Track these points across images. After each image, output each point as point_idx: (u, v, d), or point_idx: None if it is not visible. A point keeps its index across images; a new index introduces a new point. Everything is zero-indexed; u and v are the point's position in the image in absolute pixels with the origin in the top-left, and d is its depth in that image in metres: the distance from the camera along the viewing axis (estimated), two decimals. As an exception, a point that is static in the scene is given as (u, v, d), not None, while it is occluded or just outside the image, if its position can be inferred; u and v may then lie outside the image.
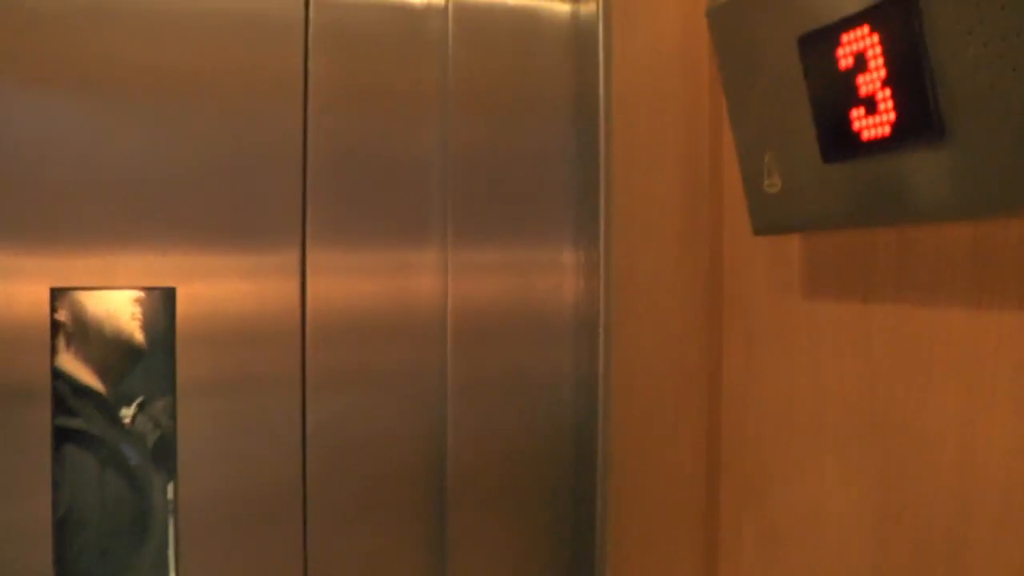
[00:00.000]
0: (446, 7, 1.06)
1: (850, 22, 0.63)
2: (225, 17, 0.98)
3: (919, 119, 0.59)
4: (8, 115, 0.91)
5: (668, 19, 0.97)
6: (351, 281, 1.03)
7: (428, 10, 1.06)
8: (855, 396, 0.75)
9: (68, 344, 0.95)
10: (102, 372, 0.97)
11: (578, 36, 1.09)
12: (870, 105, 0.63)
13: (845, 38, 0.64)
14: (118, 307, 0.97)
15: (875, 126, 0.63)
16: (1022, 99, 0.52)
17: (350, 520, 1.02)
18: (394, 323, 1.04)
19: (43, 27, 0.92)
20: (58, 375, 0.93)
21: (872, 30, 0.61)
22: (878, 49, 0.61)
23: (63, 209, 0.92)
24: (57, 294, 0.93)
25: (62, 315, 0.94)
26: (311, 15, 1.01)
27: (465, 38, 1.06)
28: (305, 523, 1.00)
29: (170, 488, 0.97)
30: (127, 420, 0.97)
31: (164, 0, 0.95)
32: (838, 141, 0.67)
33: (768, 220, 0.78)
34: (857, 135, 0.64)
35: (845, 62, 0.64)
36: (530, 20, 1.09)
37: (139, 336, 0.98)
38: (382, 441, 1.04)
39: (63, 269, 0.93)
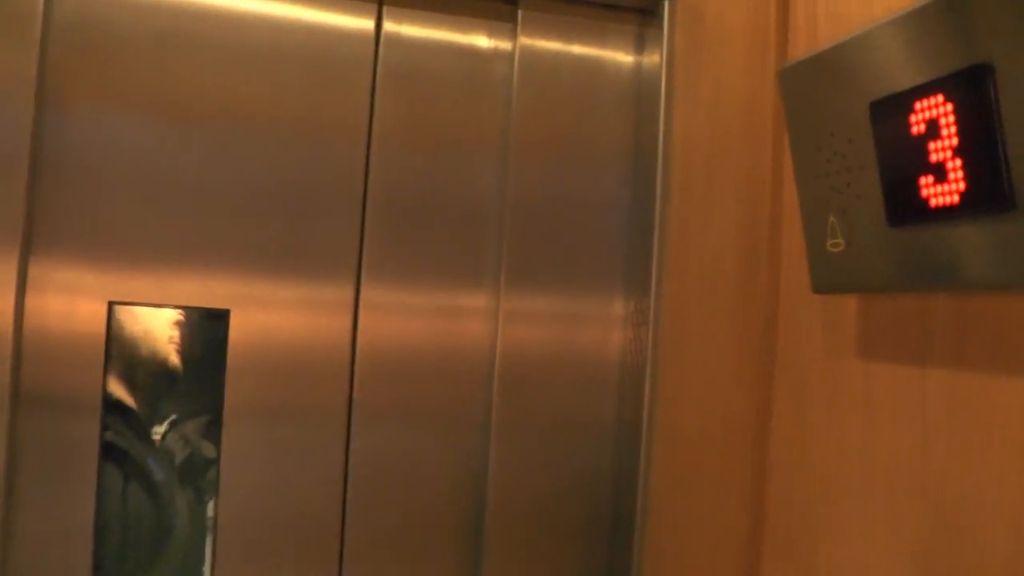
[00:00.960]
0: (513, 52, 1.08)
1: (924, 90, 0.64)
2: (295, 51, 1.00)
3: (989, 189, 0.59)
4: (86, 132, 0.94)
5: (733, 75, 0.98)
6: (403, 320, 1.04)
7: (495, 54, 1.08)
8: (908, 462, 0.74)
9: (118, 359, 0.96)
10: (146, 389, 0.98)
11: (640, 87, 1.11)
12: (940, 173, 0.63)
13: (918, 105, 0.64)
14: (170, 326, 0.99)
15: (944, 194, 0.63)
16: (1098, 176, 0.52)
17: (387, 554, 1.02)
18: (443, 364, 1.05)
19: (123, 51, 0.95)
20: (106, 388, 0.95)
21: (947, 99, 0.62)
22: (951, 118, 0.62)
23: (126, 226, 0.95)
24: (114, 309, 0.95)
25: (116, 330, 0.96)
26: (380, 53, 1.04)
27: (530, 83, 1.08)
28: (342, 554, 1.01)
29: (210, 507, 0.98)
30: (158, 437, 0.98)
31: (240, 33, 0.98)
32: (905, 206, 0.67)
33: (829, 279, 0.78)
34: (925, 201, 0.65)
35: (917, 128, 0.65)
36: (594, 69, 1.10)
37: (187, 356, 0.99)
38: (423, 478, 1.04)
39: (122, 285, 0.95)
